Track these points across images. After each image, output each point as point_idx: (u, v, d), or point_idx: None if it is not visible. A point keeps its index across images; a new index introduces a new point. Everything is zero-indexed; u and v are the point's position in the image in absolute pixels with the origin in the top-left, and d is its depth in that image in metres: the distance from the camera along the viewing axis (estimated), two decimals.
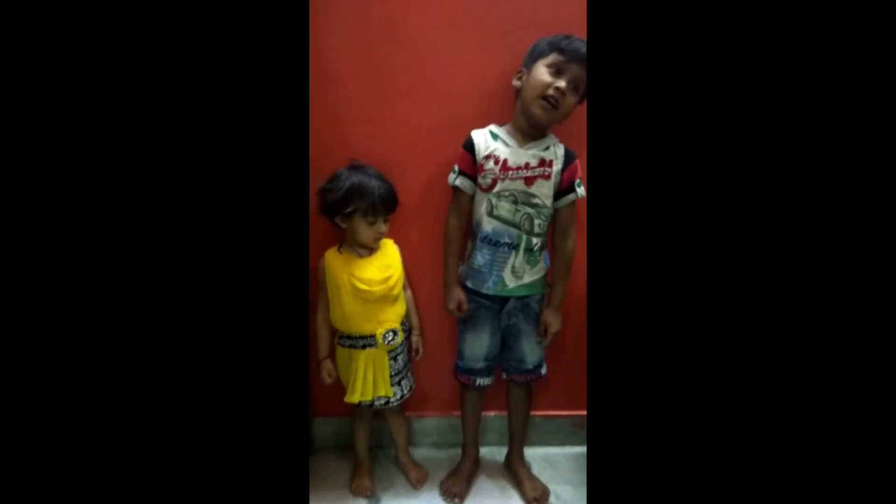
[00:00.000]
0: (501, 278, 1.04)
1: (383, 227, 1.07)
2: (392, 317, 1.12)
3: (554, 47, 0.94)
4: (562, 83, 0.93)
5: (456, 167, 1.04)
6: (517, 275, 1.04)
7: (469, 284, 1.08)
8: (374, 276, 1.08)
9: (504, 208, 1.01)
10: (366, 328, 1.09)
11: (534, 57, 0.98)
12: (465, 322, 1.12)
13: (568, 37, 0.94)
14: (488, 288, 1.06)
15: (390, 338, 1.11)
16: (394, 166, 1.11)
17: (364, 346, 1.10)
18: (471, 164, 1.02)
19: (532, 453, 1.29)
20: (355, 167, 1.06)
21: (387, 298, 1.10)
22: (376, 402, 1.13)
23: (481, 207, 1.03)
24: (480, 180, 1.02)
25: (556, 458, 1.30)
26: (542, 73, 0.95)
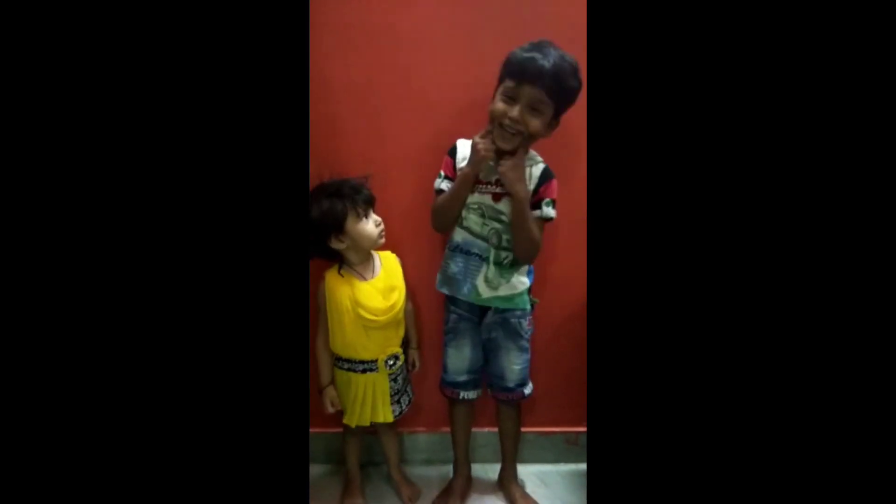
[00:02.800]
0: (475, 287, 1.03)
1: (378, 217, 1.04)
2: (395, 341, 1.09)
3: (506, 71, 0.91)
4: (514, 112, 0.89)
5: (441, 172, 1.04)
6: (491, 285, 1.03)
7: (445, 291, 1.07)
8: (380, 305, 1.04)
9: (472, 220, 1.01)
10: (367, 355, 1.06)
11: (500, 77, 0.94)
12: (448, 334, 1.12)
13: (525, 54, 0.89)
14: (464, 294, 1.04)
15: (392, 363, 1.08)
16: (388, 177, 1.12)
17: (364, 371, 1.07)
18: (452, 169, 1.02)
19: (525, 471, 1.28)
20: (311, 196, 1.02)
21: (391, 324, 1.07)
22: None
23: None
24: None
25: (550, 475, 1.29)
26: (496, 101, 0.92)
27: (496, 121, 0.92)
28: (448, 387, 1.15)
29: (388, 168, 1.13)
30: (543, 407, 1.28)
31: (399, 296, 1.07)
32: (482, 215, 1.00)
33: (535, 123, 0.90)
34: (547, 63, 0.86)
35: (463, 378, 1.13)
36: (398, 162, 1.13)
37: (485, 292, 1.03)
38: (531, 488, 1.23)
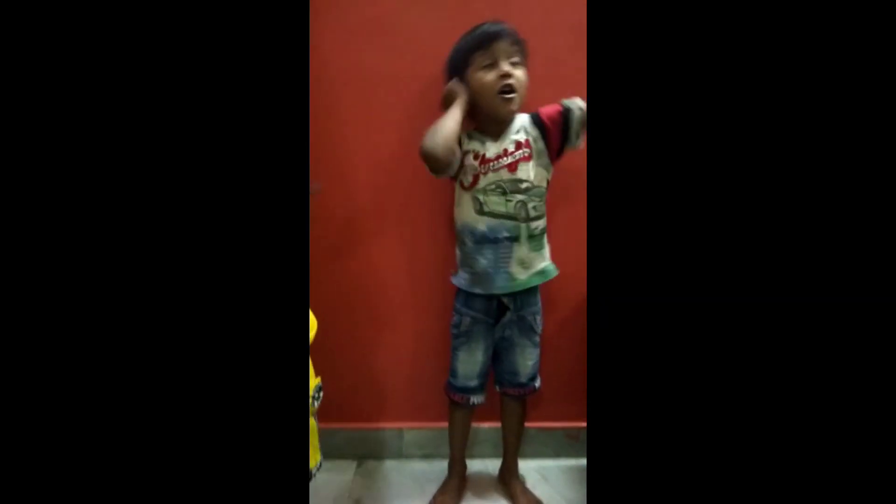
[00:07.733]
0: (510, 273, 0.99)
1: None
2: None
3: (472, 47, 0.95)
4: (503, 69, 0.93)
5: None
6: (525, 265, 0.99)
7: (479, 290, 1.02)
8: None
9: (493, 202, 0.97)
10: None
11: (457, 72, 0.98)
12: (459, 338, 1.09)
13: (477, 30, 0.95)
14: (499, 288, 1.00)
15: (318, 395, 0.87)
16: (387, 169, 1.11)
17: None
18: None
19: (526, 466, 1.26)
20: None
21: None
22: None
23: (469, 208, 1.00)
24: (462, 178, 1.00)
25: (551, 470, 1.27)
26: (482, 76, 0.94)
27: (494, 89, 0.93)
28: (458, 392, 1.11)
29: (385, 160, 1.11)
30: (545, 402, 1.26)
31: None
32: (503, 193, 0.97)
33: (520, 74, 0.95)
34: (498, 25, 0.94)
35: (474, 383, 1.10)
36: (396, 154, 1.11)
37: (521, 275, 0.99)
38: (532, 483, 1.22)
